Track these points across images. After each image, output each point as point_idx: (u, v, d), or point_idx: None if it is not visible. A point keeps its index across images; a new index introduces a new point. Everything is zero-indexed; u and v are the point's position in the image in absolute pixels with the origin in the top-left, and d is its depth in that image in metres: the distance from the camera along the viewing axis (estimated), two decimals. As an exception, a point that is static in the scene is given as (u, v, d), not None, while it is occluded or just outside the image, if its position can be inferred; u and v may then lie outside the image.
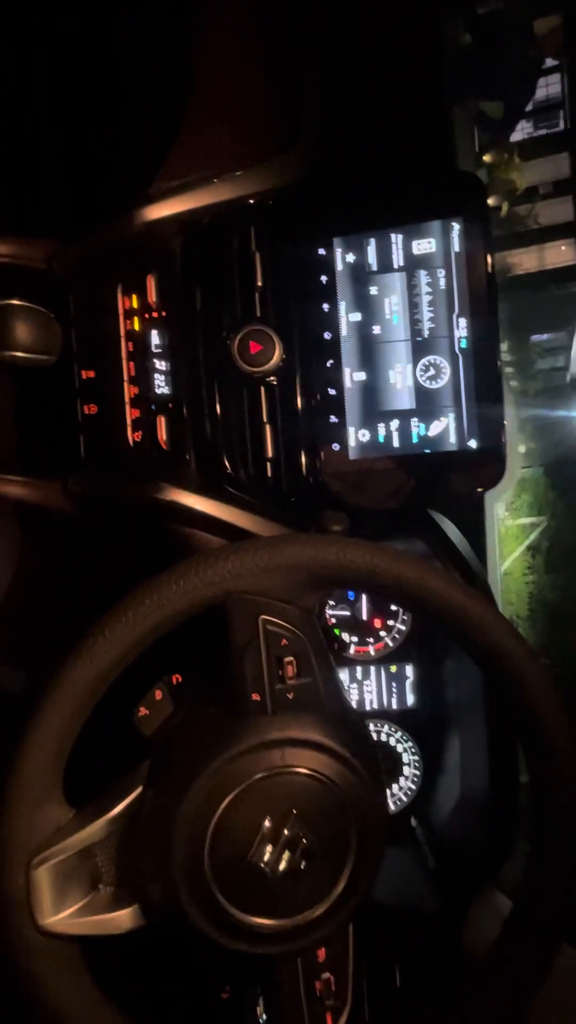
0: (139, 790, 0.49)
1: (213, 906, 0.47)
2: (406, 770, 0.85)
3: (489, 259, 0.66)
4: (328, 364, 0.68)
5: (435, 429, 0.67)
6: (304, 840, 0.48)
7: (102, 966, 0.49)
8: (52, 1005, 0.45)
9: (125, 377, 0.69)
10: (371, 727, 0.85)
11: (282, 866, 0.48)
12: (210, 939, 0.48)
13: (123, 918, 0.47)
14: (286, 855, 0.48)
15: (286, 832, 0.48)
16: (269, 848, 0.48)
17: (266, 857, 0.48)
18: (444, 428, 0.67)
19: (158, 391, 0.68)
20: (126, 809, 0.48)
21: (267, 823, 0.48)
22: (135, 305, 0.68)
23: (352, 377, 0.68)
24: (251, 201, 0.68)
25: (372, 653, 0.84)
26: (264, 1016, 0.59)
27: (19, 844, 0.45)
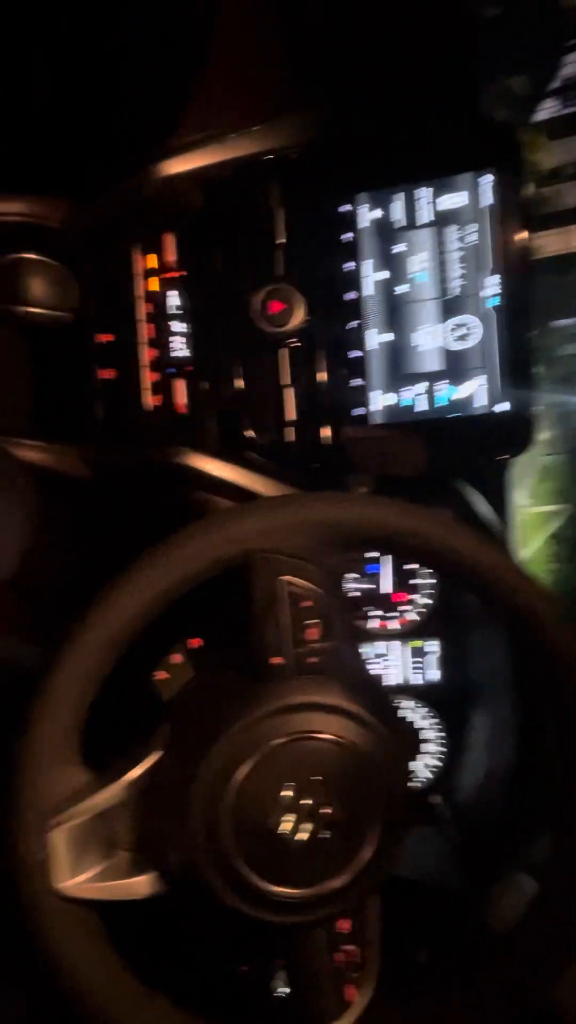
0: (158, 754, 0.48)
1: (233, 873, 0.46)
2: (430, 747, 0.83)
3: (524, 213, 0.63)
4: (351, 325, 0.66)
5: (464, 392, 0.65)
6: (327, 808, 0.47)
7: (119, 933, 0.48)
8: (70, 969, 0.44)
9: (143, 340, 0.67)
10: (394, 703, 0.83)
11: (304, 835, 0.46)
12: (230, 907, 0.46)
13: (141, 884, 0.46)
14: (309, 823, 0.46)
15: (309, 800, 0.46)
16: (292, 816, 0.46)
17: (288, 825, 0.46)
18: (472, 391, 0.65)
19: (176, 354, 0.67)
20: (145, 773, 0.47)
21: (290, 790, 0.46)
22: (153, 265, 0.66)
23: (377, 338, 0.66)
24: (271, 156, 0.65)
25: (394, 627, 0.82)
26: (283, 989, 0.58)
27: (36, 806, 0.44)
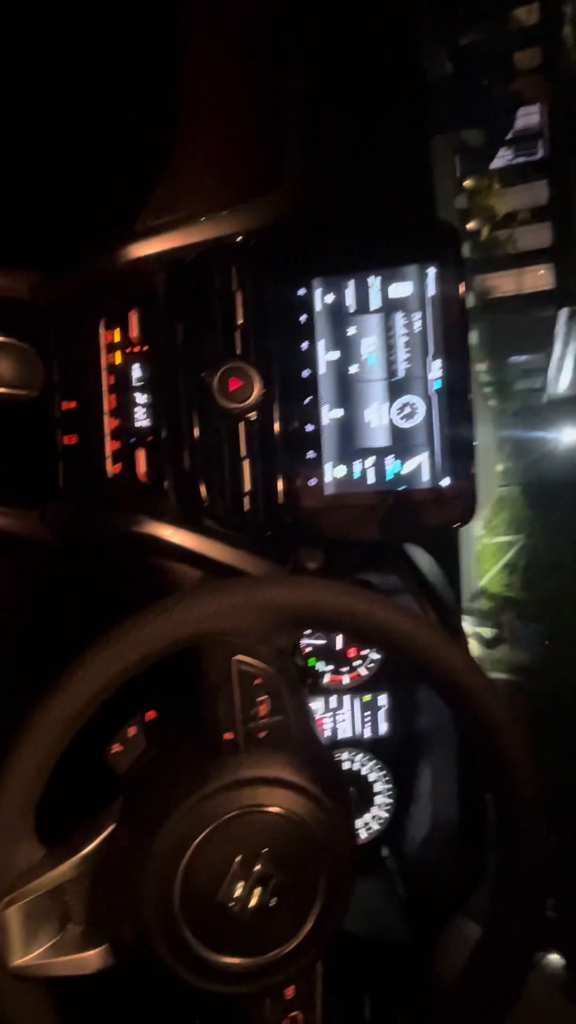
0: (111, 828, 0.49)
1: (182, 945, 0.47)
2: (378, 799, 0.86)
3: (462, 303, 0.68)
4: (306, 401, 0.69)
5: (409, 467, 0.69)
6: (274, 877, 0.49)
7: (71, 1003, 0.49)
8: (19, 1047, 0.45)
9: (106, 409, 0.69)
10: (344, 756, 0.85)
11: (252, 903, 0.48)
12: (179, 978, 0.48)
13: (92, 958, 0.48)
14: (256, 892, 0.49)
15: (256, 869, 0.49)
16: (240, 886, 0.48)
17: (236, 895, 0.48)
18: (418, 466, 0.69)
19: (138, 424, 0.69)
20: (98, 847, 0.49)
21: (238, 861, 0.49)
22: (117, 339, 0.69)
23: (329, 414, 0.70)
24: (235, 240, 0.69)
25: (346, 682, 0.85)
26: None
27: (-11, 884, 0.45)
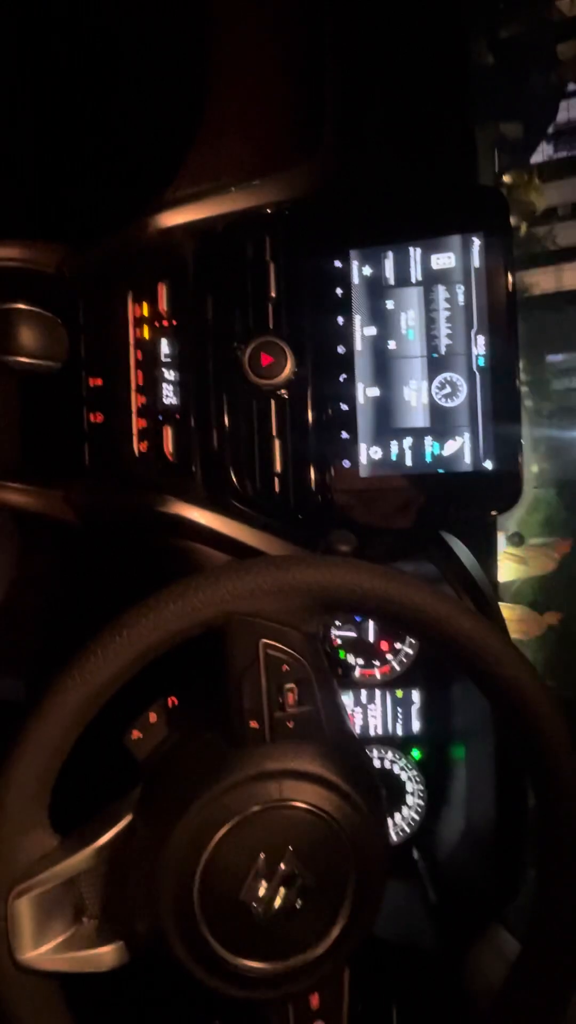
0: (128, 818, 0.47)
1: (201, 946, 0.45)
2: (409, 799, 0.82)
3: (510, 276, 0.64)
4: (341, 379, 0.66)
5: (449, 449, 0.65)
6: (300, 878, 0.46)
7: (83, 998, 0.47)
8: (28, 1045, 0.43)
9: (133, 386, 0.67)
10: (374, 754, 0.82)
11: (276, 905, 0.45)
12: (197, 981, 0.45)
13: (106, 955, 0.45)
14: (281, 893, 0.46)
15: (281, 868, 0.46)
16: (263, 885, 0.45)
17: (259, 894, 0.45)
18: (459, 448, 0.65)
19: (166, 401, 0.67)
20: (114, 838, 0.46)
21: (261, 859, 0.46)
22: (145, 313, 0.67)
23: (365, 393, 0.66)
24: (267, 211, 0.66)
25: (378, 677, 0.82)
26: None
27: (1, 872, 0.43)
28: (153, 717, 0.50)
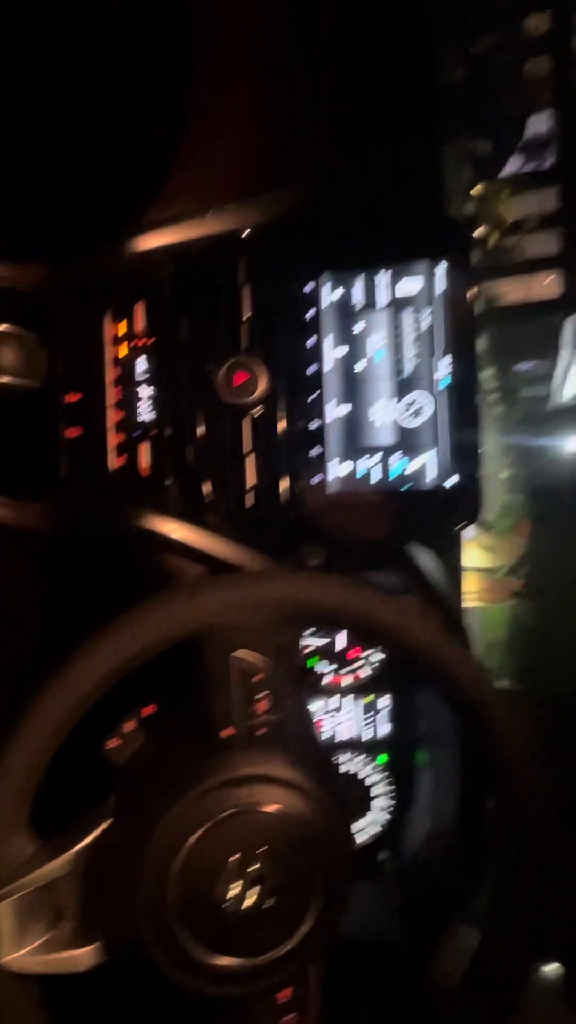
0: (107, 823, 0.49)
1: (176, 944, 0.47)
2: (377, 802, 0.85)
3: (471, 301, 0.67)
4: (311, 398, 0.69)
5: (415, 466, 0.68)
6: (270, 878, 0.48)
7: (61, 1001, 0.49)
8: (8, 1045, 0.44)
9: (110, 402, 0.69)
10: (343, 758, 0.84)
11: (247, 903, 0.48)
12: (172, 978, 0.47)
13: (84, 956, 0.47)
14: (252, 892, 0.48)
15: (252, 869, 0.48)
16: (236, 885, 0.48)
17: (231, 894, 0.47)
18: (423, 465, 0.68)
19: (141, 417, 0.69)
20: (93, 843, 0.48)
21: (234, 860, 0.48)
22: (123, 332, 0.69)
23: (335, 411, 0.69)
24: (242, 235, 0.69)
25: (347, 683, 0.84)
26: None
27: (-18, 878, 0.45)
28: (130, 726, 0.52)
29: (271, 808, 0.48)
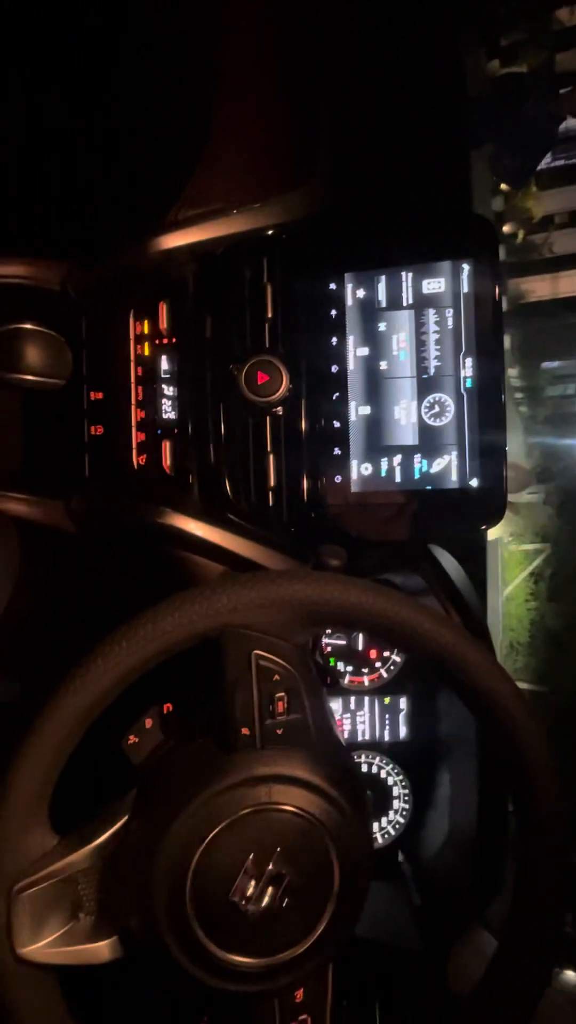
0: (125, 819, 0.49)
1: (192, 942, 0.47)
2: (395, 804, 0.85)
3: (497, 301, 0.66)
4: (334, 397, 0.69)
5: (437, 466, 0.68)
6: (287, 877, 0.48)
7: (78, 991, 0.49)
8: (27, 1035, 0.45)
9: (133, 401, 0.69)
10: (362, 759, 0.84)
11: (264, 903, 0.48)
12: (187, 974, 0.47)
13: (102, 949, 0.47)
14: (268, 892, 0.48)
15: (269, 868, 0.48)
16: (252, 884, 0.48)
17: (248, 893, 0.48)
18: (446, 466, 0.68)
19: (164, 416, 0.69)
20: (111, 838, 0.48)
21: (250, 859, 0.48)
22: (146, 331, 0.69)
23: (357, 411, 0.69)
24: (266, 234, 0.69)
25: (366, 684, 0.84)
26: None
27: (2, 870, 0.45)
28: (149, 723, 0.52)
29: (289, 808, 0.48)
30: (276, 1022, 0.50)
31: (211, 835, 0.47)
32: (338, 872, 0.50)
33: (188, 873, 0.47)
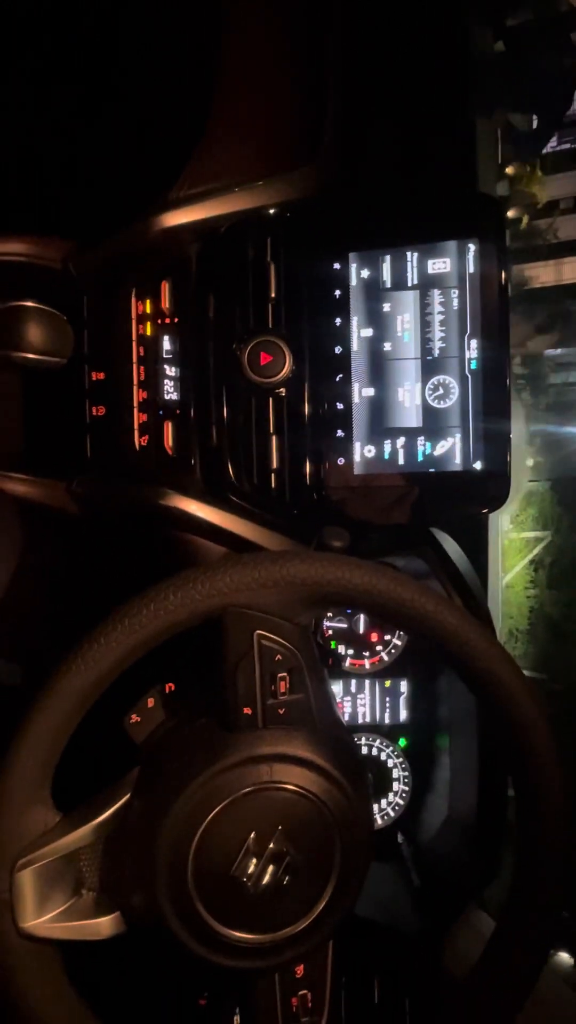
0: (127, 797, 0.49)
1: (194, 918, 0.47)
2: (395, 785, 0.85)
3: (503, 282, 0.66)
4: (337, 378, 0.68)
5: (440, 449, 0.67)
6: (288, 856, 0.48)
7: (80, 967, 0.50)
8: (29, 1008, 0.45)
9: (135, 381, 0.69)
10: (362, 741, 0.85)
11: (265, 880, 0.48)
12: (189, 950, 0.48)
13: (104, 925, 0.48)
14: (270, 870, 0.48)
15: (271, 847, 0.48)
16: (253, 862, 0.48)
17: (250, 871, 0.48)
18: (450, 448, 0.67)
19: (166, 396, 0.69)
20: (113, 816, 0.49)
21: (252, 837, 0.48)
22: (148, 310, 0.68)
23: (361, 392, 0.68)
24: (269, 212, 0.68)
25: (367, 667, 0.84)
26: (240, 1026, 0.59)
27: (5, 846, 0.46)
28: (151, 702, 0.52)
29: (290, 787, 0.49)
30: (277, 997, 0.51)
31: (213, 813, 0.48)
32: (339, 850, 0.50)
33: (190, 850, 0.47)
